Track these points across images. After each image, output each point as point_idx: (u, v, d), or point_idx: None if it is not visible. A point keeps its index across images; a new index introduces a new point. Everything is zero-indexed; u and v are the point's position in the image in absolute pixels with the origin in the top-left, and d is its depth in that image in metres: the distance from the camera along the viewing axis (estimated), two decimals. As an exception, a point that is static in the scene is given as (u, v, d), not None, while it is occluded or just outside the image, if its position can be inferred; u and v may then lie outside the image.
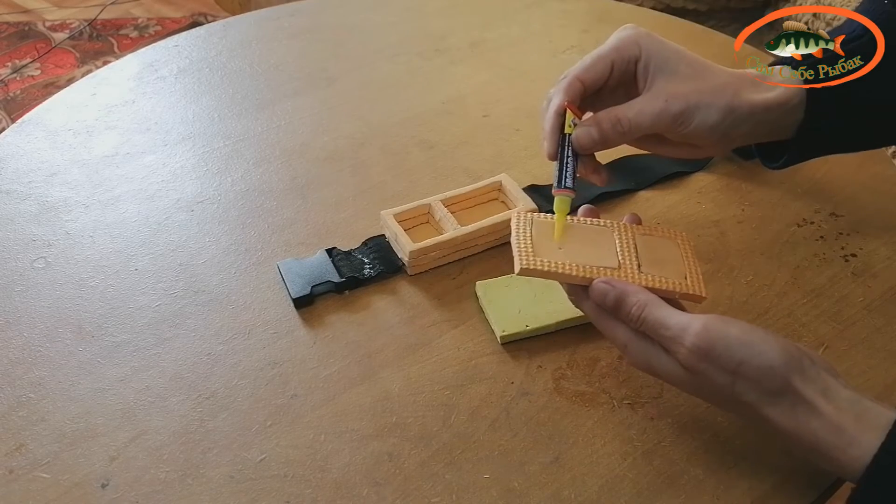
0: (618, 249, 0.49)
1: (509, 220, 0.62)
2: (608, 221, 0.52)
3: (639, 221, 0.53)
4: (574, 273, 0.48)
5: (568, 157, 0.53)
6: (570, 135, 0.53)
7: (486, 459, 0.49)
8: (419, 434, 0.51)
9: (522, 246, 0.49)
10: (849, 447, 0.41)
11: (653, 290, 0.47)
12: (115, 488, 0.48)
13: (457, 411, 0.52)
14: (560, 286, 0.51)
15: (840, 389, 0.42)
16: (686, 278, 0.49)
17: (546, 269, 0.48)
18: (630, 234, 0.51)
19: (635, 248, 0.50)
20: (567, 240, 0.50)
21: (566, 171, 0.52)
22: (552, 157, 0.54)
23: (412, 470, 0.49)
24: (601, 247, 0.50)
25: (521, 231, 0.50)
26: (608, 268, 0.48)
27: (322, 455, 0.50)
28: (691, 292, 0.48)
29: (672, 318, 0.44)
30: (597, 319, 0.48)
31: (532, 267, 0.48)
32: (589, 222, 0.52)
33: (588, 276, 0.47)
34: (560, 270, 0.48)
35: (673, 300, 0.48)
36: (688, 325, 0.43)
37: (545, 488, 0.48)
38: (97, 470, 0.49)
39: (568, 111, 0.53)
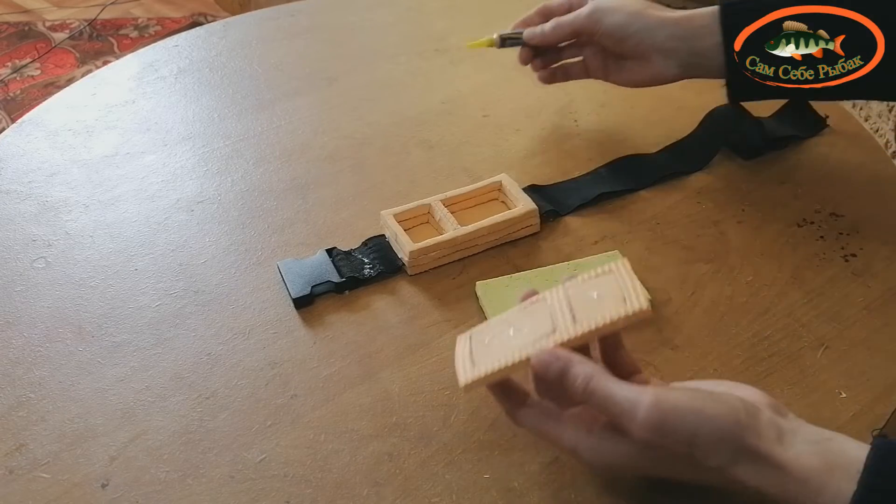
0: (550, 314, 0.46)
1: (510, 219, 0.62)
2: (543, 293, 0.48)
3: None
4: (512, 362, 0.44)
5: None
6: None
7: (486, 459, 0.49)
8: (419, 434, 0.51)
9: (460, 365, 0.47)
10: (818, 497, 0.39)
11: (595, 334, 0.44)
12: (115, 488, 0.48)
13: (457, 411, 0.52)
14: (560, 283, 0.50)
15: (795, 431, 0.41)
16: (625, 301, 0.44)
17: (485, 373, 0.45)
18: (562, 293, 0.47)
19: (569, 303, 0.46)
20: (500, 332, 0.47)
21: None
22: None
23: (412, 470, 0.49)
24: (536, 321, 0.46)
25: (459, 352, 0.48)
26: (543, 336, 0.45)
27: (322, 455, 0.50)
28: (632, 312, 0.44)
29: (620, 392, 0.41)
30: (538, 427, 0.45)
31: (472, 380, 0.45)
32: (525, 306, 0.48)
33: (525, 356, 0.44)
34: (499, 367, 0.45)
35: (624, 366, 0.46)
36: (636, 399, 0.40)
37: (545, 488, 0.48)
38: (97, 470, 0.49)
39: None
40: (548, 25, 0.71)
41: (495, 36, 0.74)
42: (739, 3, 0.63)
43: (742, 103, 0.71)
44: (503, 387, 0.46)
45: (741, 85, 0.66)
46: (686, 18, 0.65)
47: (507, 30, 0.74)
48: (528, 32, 0.72)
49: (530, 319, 0.47)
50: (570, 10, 0.71)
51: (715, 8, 0.64)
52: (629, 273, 0.46)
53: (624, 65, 0.70)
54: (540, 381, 0.45)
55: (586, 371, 0.42)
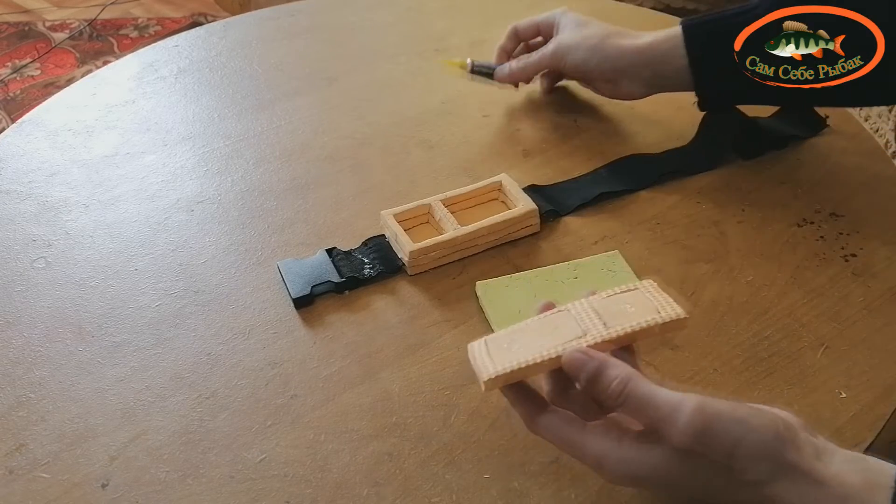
0: (578, 322, 0.45)
1: (510, 219, 0.62)
2: (565, 305, 0.47)
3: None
4: (540, 360, 0.43)
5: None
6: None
7: (486, 459, 0.49)
8: (419, 434, 0.51)
9: (480, 363, 0.45)
10: None
11: (628, 339, 0.43)
12: (115, 488, 0.48)
13: (457, 411, 0.52)
14: (560, 283, 0.50)
15: (832, 451, 0.40)
16: (659, 311, 0.44)
17: (510, 369, 0.43)
18: (587, 304, 0.46)
19: (596, 313, 0.45)
20: (521, 337, 0.46)
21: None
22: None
23: (412, 470, 0.49)
24: (561, 327, 0.45)
25: (476, 354, 0.46)
26: (573, 339, 0.43)
27: (322, 455, 0.50)
28: (670, 319, 0.43)
29: (661, 395, 0.39)
30: (559, 435, 0.43)
31: (495, 375, 0.43)
32: (545, 316, 0.47)
33: (555, 354, 0.42)
34: (524, 364, 0.43)
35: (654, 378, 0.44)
36: (679, 403, 0.39)
37: (545, 488, 0.48)
38: (97, 470, 0.49)
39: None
40: (515, 65, 0.77)
41: (468, 61, 0.80)
42: (700, 25, 0.66)
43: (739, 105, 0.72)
44: (521, 391, 0.44)
45: (740, 87, 0.66)
46: (649, 47, 0.69)
47: (490, 61, 0.80)
48: (497, 71, 0.79)
49: (553, 326, 0.45)
50: (537, 33, 0.77)
51: (678, 31, 0.67)
52: (658, 290, 0.46)
53: (596, 85, 0.76)
54: (562, 389, 0.43)
55: (623, 372, 0.40)
